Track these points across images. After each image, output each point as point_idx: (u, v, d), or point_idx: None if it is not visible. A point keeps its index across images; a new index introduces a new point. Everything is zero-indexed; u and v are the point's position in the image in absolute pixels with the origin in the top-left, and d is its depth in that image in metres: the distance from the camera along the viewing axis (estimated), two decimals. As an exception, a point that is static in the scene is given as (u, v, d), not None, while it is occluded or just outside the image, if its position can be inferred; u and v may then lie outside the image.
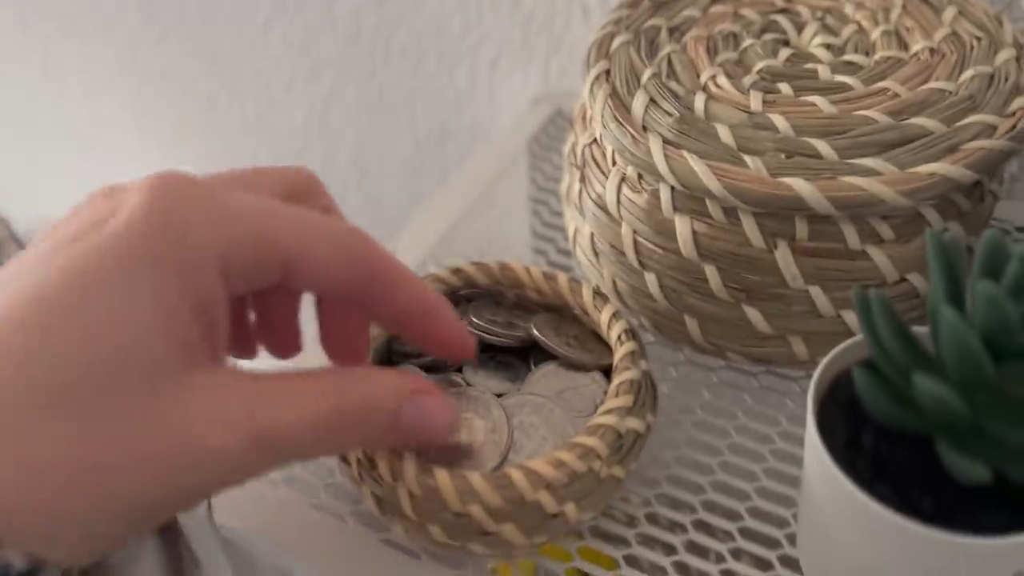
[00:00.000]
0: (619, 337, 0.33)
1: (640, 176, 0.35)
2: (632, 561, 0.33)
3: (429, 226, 0.48)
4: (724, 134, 0.34)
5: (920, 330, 0.28)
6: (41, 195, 1.13)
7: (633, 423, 0.31)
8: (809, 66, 0.37)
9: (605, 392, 0.33)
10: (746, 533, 0.34)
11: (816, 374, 0.28)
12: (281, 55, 0.74)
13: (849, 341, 0.29)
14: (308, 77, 0.74)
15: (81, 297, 0.21)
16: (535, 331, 0.35)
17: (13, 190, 1.16)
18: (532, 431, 0.32)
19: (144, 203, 0.22)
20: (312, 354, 0.30)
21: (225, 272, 0.23)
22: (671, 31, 0.40)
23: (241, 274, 0.24)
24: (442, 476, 0.29)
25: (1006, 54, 0.35)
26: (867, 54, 0.37)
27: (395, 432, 0.26)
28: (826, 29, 0.39)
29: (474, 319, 0.36)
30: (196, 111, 0.86)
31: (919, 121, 0.33)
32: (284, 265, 0.24)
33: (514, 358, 0.36)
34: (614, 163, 0.37)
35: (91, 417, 0.20)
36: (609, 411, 0.31)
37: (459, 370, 0.35)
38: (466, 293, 0.37)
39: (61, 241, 0.22)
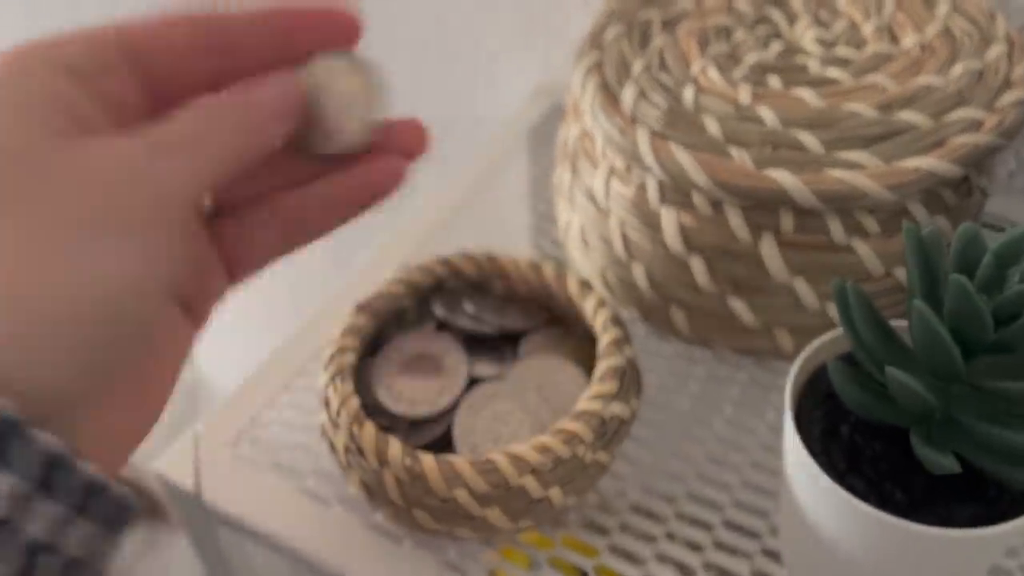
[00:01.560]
0: (604, 325, 0.34)
1: (628, 168, 0.36)
2: (614, 550, 0.34)
3: (429, 216, 0.49)
4: (712, 126, 0.34)
5: (901, 324, 0.28)
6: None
7: (617, 409, 0.32)
8: (799, 60, 0.37)
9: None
10: (729, 524, 0.34)
11: (795, 366, 0.29)
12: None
13: (829, 334, 0.29)
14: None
15: None
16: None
17: None
18: (508, 417, 0.33)
19: None
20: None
21: (72, 71, 0.23)
22: (664, 23, 0.40)
23: (89, 68, 0.24)
24: (428, 461, 0.30)
25: (997, 50, 0.35)
26: (858, 48, 0.37)
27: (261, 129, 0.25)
28: (818, 23, 0.39)
29: (464, 308, 0.36)
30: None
31: (906, 115, 0.33)
32: (125, 46, 0.24)
33: (504, 344, 0.36)
34: (604, 155, 0.37)
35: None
36: (593, 397, 0.31)
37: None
38: (454, 284, 0.38)
39: None
